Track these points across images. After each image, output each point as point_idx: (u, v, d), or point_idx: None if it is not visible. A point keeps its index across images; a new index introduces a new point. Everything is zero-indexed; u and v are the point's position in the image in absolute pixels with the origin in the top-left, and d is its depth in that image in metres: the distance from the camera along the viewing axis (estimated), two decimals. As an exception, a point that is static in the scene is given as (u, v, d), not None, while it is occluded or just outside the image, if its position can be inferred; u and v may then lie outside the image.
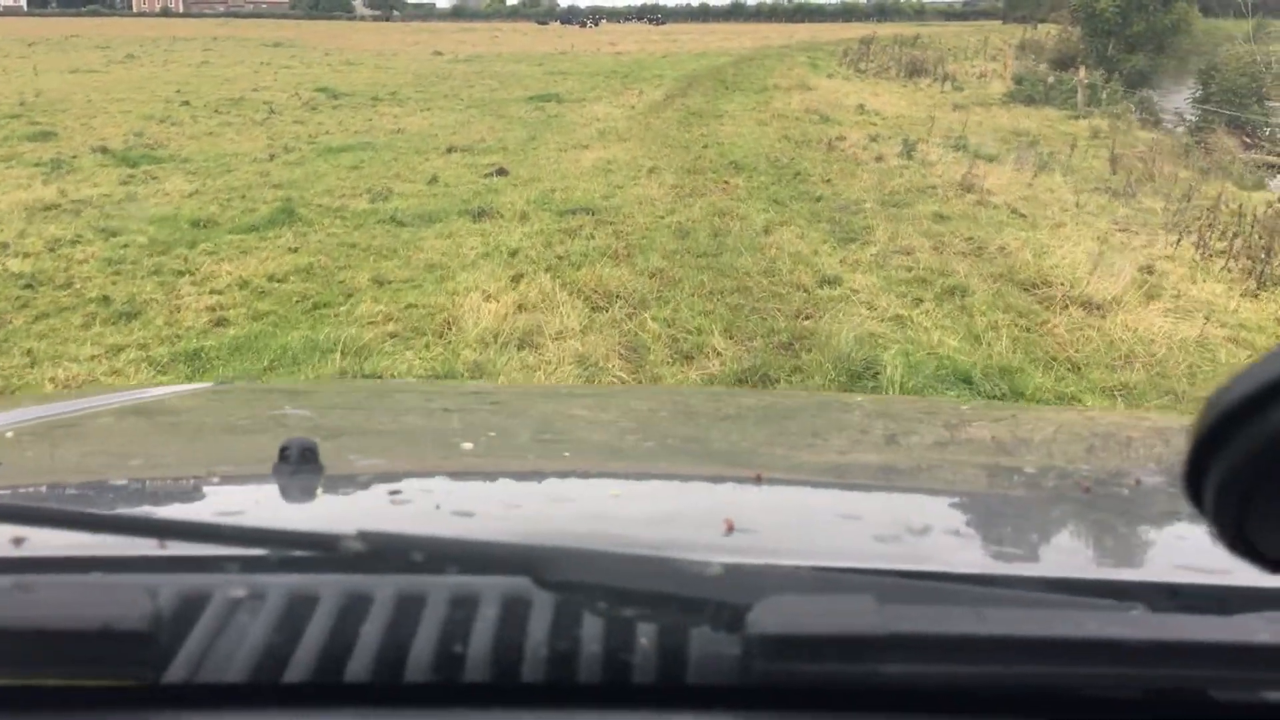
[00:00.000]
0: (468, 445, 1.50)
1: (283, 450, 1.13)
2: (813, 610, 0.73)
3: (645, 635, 0.78)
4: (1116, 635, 0.72)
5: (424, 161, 13.97)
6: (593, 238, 8.94)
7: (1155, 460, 1.60)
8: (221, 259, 8.44)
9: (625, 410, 2.05)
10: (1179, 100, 35.02)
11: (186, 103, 21.15)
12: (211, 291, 7.49)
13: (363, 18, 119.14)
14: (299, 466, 1.11)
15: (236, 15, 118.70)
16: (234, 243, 9.04)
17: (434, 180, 12.19)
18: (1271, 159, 20.12)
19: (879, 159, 13.37)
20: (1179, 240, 9.24)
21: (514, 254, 8.41)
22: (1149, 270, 8.31)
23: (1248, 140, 21.92)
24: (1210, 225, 9.92)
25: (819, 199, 10.78)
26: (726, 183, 11.65)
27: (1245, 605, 0.78)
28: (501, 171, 12.93)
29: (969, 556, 1.01)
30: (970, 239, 9.01)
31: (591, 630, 0.78)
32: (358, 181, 12.41)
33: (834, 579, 0.79)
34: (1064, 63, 34.63)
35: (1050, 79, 25.30)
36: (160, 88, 24.56)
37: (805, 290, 7.40)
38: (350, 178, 12.75)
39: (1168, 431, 1.81)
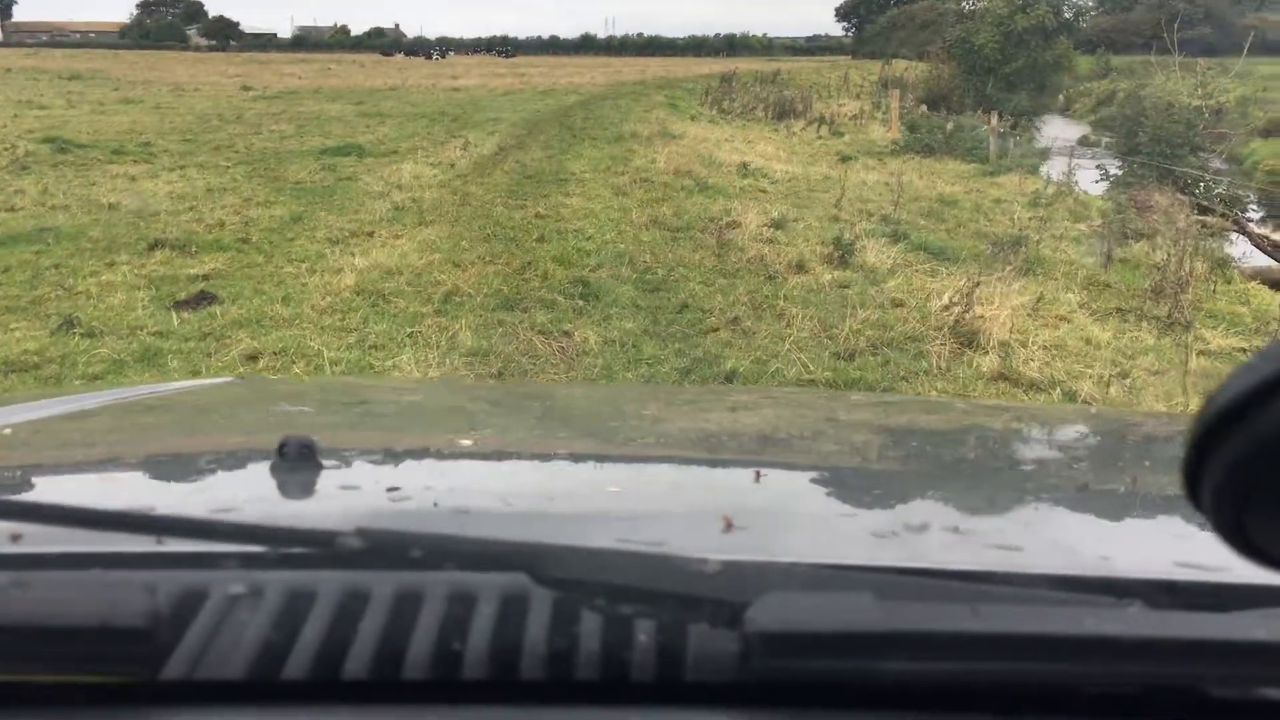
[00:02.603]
0: (466, 442, 1.44)
1: (281, 447, 1.09)
2: (810, 607, 0.71)
3: (643, 632, 0.75)
4: (1114, 632, 0.70)
5: (101, 271, 8.55)
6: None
7: (1153, 457, 1.56)
8: None
9: (624, 407, 1.99)
10: (1058, 133, 31.82)
11: None
12: None
13: (198, 48, 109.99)
14: (297, 463, 1.08)
15: (59, 45, 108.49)
16: None
17: (68, 325, 6.83)
18: (1227, 225, 16.27)
19: (800, 267, 8.55)
20: None
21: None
22: None
23: (1182, 197, 18.18)
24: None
25: (732, 378, 5.85)
26: (567, 334, 6.62)
27: (1243, 602, 0.76)
28: (203, 299, 7.66)
29: (966, 553, 0.98)
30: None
31: (589, 627, 0.76)
32: (-54, 321, 7.00)
33: (832, 576, 0.77)
34: (936, 102, 31.05)
35: (949, 125, 21.19)
36: None
37: None
38: (-55, 311, 7.32)
39: (1165, 428, 1.77)
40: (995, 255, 8.96)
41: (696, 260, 8.86)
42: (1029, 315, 7.64)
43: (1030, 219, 13.51)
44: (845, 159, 19.92)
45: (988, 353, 6.38)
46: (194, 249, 9.48)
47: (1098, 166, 18.72)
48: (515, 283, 7.94)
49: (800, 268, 8.50)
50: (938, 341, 6.45)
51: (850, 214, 12.11)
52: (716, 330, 6.78)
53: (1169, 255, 9.40)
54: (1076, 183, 15.77)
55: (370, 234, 10.47)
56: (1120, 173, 18.57)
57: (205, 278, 8.44)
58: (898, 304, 7.60)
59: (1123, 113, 19.02)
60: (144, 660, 0.71)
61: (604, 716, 0.73)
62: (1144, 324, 8.03)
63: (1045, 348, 6.76)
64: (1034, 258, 9.69)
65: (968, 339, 6.55)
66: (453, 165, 15.28)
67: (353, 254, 9.41)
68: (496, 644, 0.74)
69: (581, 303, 7.34)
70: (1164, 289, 9.04)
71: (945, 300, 7.51)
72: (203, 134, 19.77)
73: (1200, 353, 7.40)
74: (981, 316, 6.71)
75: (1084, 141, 32.65)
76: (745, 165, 15.49)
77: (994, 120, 19.47)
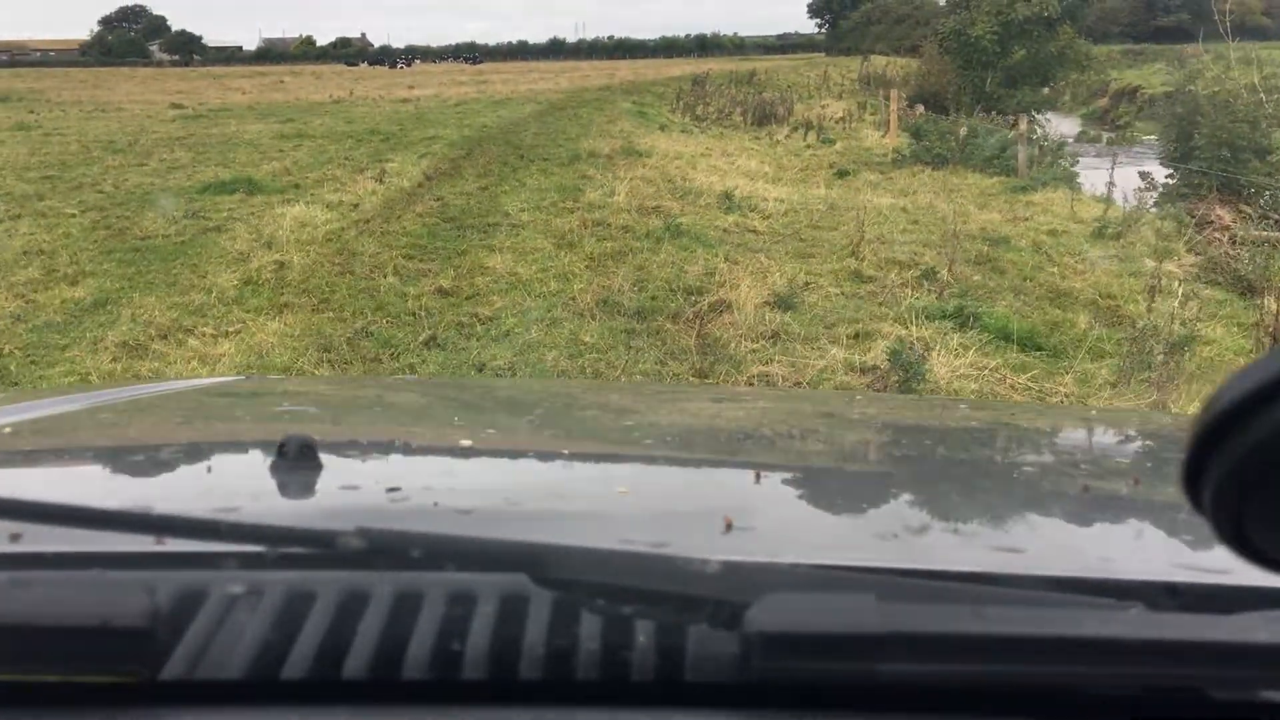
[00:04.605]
0: (467, 441, 1.38)
1: (281, 446, 1.06)
2: (811, 608, 0.69)
3: (643, 633, 0.74)
4: (1115, 634, 0.69)
5: None
6: None
7: (1154, 459, 1.52)
8: None
9: (624, 407, 1.94)
10: (1054, 128, 28.47)
11: None
12: None
13: (160, 63, 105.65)
14: (297, 462, 1.05)
15: (18, 64, 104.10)
16: None
17: None
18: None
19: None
20: None
21: None
22: None
23: (1246, 210, 14.83)
24: None
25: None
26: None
27: (1243, 604, 0.75)
28: None
29: (968, 555, 0.96)
30: None
31: (589, 628, 0.74)
32: None
33: (833, 577, 0.76)
34: (928, 100, 27.69)
35: (962, 130, 17.77)
36: None
37: None
38: None
39: (1167, 430, 1.72)
40: (1133, 359, 5.52)
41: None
42: None
43: (1102, 258, 10.16)
44: (842, 174, 16.54)
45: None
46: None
47: (1140, 174, 15.37)
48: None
49: (837, 403, 5.04)
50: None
51: (876, 266, 8.69)
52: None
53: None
54: (1149, 206, 12.34)
55: (189, 331, 7.00)
56: (1172, 182, 15.21)
57: None
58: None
59: (1173, 111, 15.78)
60: (143, 660, 0.70)
61: (604, 717, 0.72)
62: None
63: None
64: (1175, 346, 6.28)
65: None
66: (356, 205, 11.75)
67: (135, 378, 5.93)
68: (496, 644, 0.73)
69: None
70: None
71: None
72: (75, 167, 16.14)
73: None
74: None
75: (1082, 136, 29.42)
76: (729, 194, 12.01)
77: (1023, 125, 16.02)
